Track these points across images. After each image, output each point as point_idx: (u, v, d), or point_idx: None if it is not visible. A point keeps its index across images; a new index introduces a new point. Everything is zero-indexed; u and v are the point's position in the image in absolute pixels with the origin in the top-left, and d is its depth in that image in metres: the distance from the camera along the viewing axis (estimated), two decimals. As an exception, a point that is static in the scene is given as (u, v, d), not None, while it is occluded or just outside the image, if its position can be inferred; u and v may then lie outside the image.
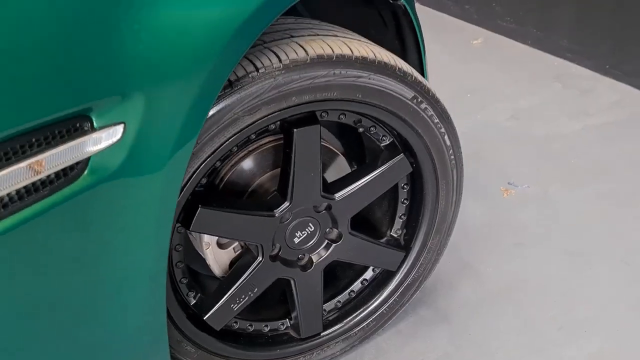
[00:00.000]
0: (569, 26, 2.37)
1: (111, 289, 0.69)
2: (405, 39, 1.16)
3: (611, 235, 1.42)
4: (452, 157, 1.05)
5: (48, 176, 0.59)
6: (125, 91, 0.62)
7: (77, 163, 0.61)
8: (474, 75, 2.34)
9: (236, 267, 1.00)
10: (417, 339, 1.20)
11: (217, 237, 0.99)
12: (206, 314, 0.96)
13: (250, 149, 0.97)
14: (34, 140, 0.57)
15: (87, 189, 0.62)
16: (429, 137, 0.99)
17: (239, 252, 1.03)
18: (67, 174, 0.61)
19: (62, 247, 0.63)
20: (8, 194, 0.56)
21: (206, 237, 0.97)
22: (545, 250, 1.39)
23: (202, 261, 1.02)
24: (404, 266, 1.14)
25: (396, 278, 1.15)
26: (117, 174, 0.64)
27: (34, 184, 0.58)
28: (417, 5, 1.17)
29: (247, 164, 0.98)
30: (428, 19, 1.28)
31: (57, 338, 0.68)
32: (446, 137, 1.02)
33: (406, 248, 1.13)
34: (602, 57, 2.23)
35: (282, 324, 1.11)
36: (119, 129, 0.63)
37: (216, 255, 1.01)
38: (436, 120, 0.99)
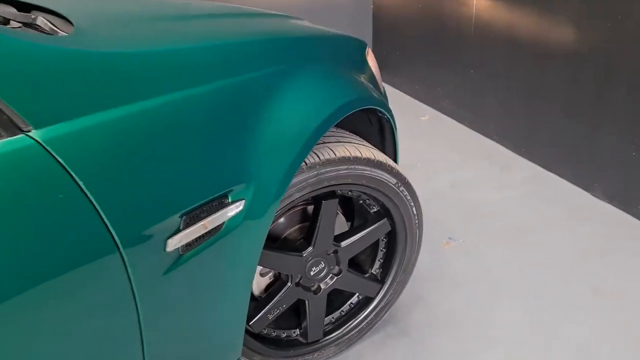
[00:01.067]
0: (495, 113, 3.00)
1: (227, 295, 1.14)
2: (384, 134, 1.69)
3: (522, 279, 1.96)
4: (417, 221, 1.57)
5: (208, 230, 1.05)
6: (246, 181, 1.10)
7: (221, 223, 1.07)
8: (423, 149, 2.93)
9: (272, 289, 1.46)
10: (386, 348, 1.68)
11: (260, 267, 1.45)
12: (250, 322, 1.42)
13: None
14: (205, 209, 1.03)
15: (221, 238, 1.08)
16: (403, 208, 1.51)
17: (272, 279, 1.50)
18: (215, 228, 1.07)
19: (208, 268, 1.08)
20: (191, 239, 1.02)
21: (253, 268, 1.43)
22: (474, 289, 1.92)
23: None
24: (379, 294, 1.63)
25: (373, 302, 1.64)
26: (237, 228, 1.10)
27: (202, 234, 1.04)
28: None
29: (282, 219, 1.46)
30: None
31: (186, 334, 1.12)
32: (414, 208, 1.54)
33: (382, 281, 1.63)
34: (519, 141, 2.87)
35: (294, 332, 1.57)
36: (242, 202, 1.10)
37: (258, 281, 1.47)
38: (408, 197, 1.51)
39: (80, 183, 0.83)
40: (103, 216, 0.85)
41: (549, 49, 2.51)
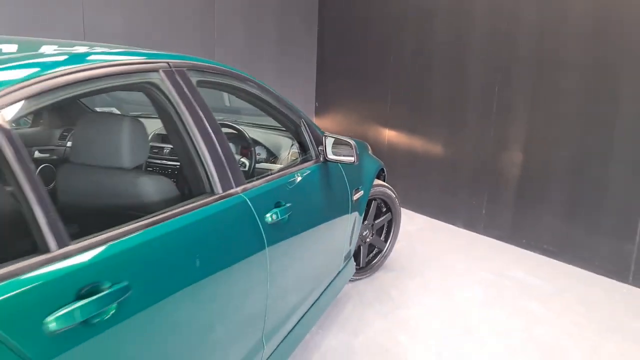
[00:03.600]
0: (400, 190, 5.45)
1: (356, 223, 3.26)
2: (381, 179, 4.00)
3: (432, 257, 4.25)
4: (400, 213, 3.84)
5: (356, 198, 3.20)
6: (363, 185, 3.30)
7: (358, 197, 3.23)
8: (365, 210, 5.26)
9: (352, 238, 3.59)
10: (387, 274, 3.82)
11: (346, 230, 3.58)
12: (345, 251, 3.51)
13: (354, 207, 3.63)
14: (356, 190, 3.20)
15: (358, 202, 3.24)
16: (396, 209, 3.78)
17: (349, 236, 3.63)
18: (357, 199, 3.22)
19: (355, 210, 3.22)
20: (354, 199, 3.17)
21: (344, 230, 3.56)
22: (414, 259, 4.16)
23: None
24: (385, 247, 3.82)
25: (383, 251, 3.82)
26: (361, 200, 3.27)
27: (355, 199, 3.19)
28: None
29: (352, 212, 3.64)
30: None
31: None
32: (400, 209, 3.81)
33: (386, 241, 3.83)
34: (416, 205, 5.32)
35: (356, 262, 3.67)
36: (363, 192, 3.28)
37: (345, 236, 3.59)
38: (398, 204, 3.79)
39: (344, 173, 2.99)
40: (347, 183, 3.01)
41: (431, 156, 5.08)
